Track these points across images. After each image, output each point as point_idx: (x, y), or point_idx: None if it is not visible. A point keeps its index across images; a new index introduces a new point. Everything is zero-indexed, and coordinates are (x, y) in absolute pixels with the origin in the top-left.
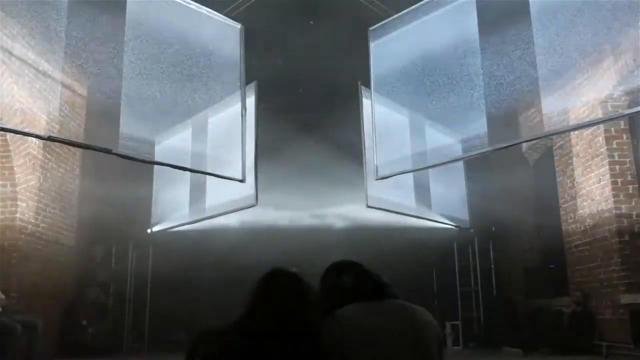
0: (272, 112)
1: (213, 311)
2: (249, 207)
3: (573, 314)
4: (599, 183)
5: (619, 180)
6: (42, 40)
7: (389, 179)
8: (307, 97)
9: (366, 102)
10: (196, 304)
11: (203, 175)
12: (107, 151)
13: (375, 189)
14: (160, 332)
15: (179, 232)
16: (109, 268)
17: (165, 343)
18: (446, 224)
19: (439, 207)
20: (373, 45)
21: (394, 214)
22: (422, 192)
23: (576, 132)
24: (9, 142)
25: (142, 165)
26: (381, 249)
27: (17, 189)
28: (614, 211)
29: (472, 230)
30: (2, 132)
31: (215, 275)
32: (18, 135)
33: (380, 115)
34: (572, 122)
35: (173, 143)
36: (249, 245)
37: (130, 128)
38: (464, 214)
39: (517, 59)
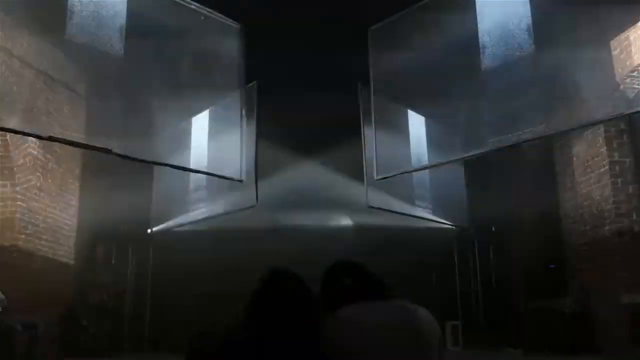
0: (272, 111)
1: (213, 311)
2: (249, 207)
3: (573, 314)
4: (599, 183)
5: (619, 180)
6: (42, 40)
7: (389, 179)
8: (306, 97)
9: (366, 102)
10: (196, 304)
11: (203, 175)
12: (107, 151)
13: (375, 189)
14: (160, 333)
15: (179, 232)
16: (109, 268)
17: (165, 343)
18: (446, 224)
19: (439, 207)
20: (373, 45)
21: (394, 214)
22: (422, 192)
23: (576, 132)
24: (9, 142)
25: (142, 165)
26: (381, 249)
27: (17, 189)
28: (614, 211)
29: (472, 230)
30: (2, 132)
31: (215, 275)
32: (18, 135)
33: (380, 115)
34: (572, 122)
35: (173, 143)
36: (248, 245)
37: (130, 128)
38: (464, 214)
39: (517, 59)
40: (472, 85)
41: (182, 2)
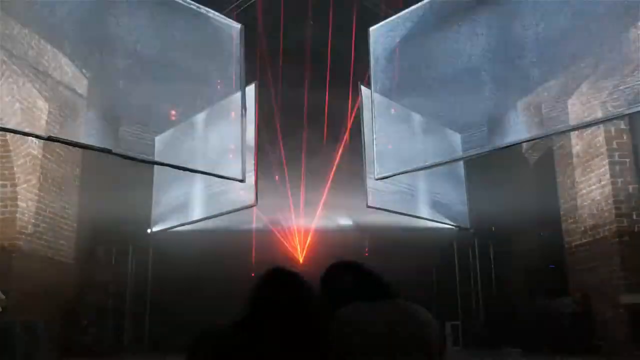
0: (272, 112)
1: (213, 311)
2: (249, 207)
3: (573, 314)
4: (599, 183)
5: (619, 180)
6: (42, 40)
7: (389, 178)
8: (307, 97)
9: (366, 102)
10: (196, 304)
11: (203, 175)
12: (107, 151)
13: (375, 189)
14: (160, 333)
15: (179, 232)
16: (109, 268)
17: (165, 343)
18: (446, 224)
19: (439, 207)
20: (373, 45)
21: (394, 214)
22: (422, 192)
23: (576, 132)
24: (9, 142)
25: (142, 165)
26: (381, 249)
27: (17, 189)
28: (614, 211)
29: (472, 230)
30: (2, 132)
31: (215, 275)
32: (18, 135)
33: (380, 115)
34: (572, 122)
35: (173, 143)
36: (248, 245)
37: (130, 128)
38: (464, 214)
39: (517, 59)
40: (473, 85)
41: (182, 2)
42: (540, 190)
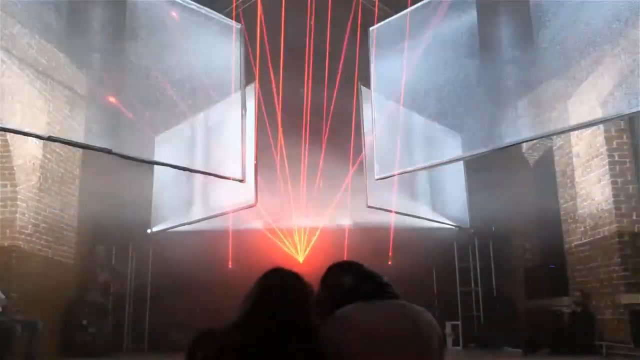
0: (272, 112)
1: (213, 311)
2: (249, 207)
3: (573, 314)
4: (599, 183)
5: (619, 180)
6: (42, 40)
7: (390, 178)
8: (307, 97)
9: (366, 102)
10: (196, 304)
11: (203, 175)
12: (107, 151)
13: (375, 189)
14: (160, 333)
15: (179, 232)
16: (109, 268)
17: (165, 343)
18: (446, 224)
19: (439, 207)
20: (373, 45)
21: (394, 214)
22: (422, 192)
23: (576, 132)
24: (9, 142)
25: (142, 165)
26: (381, 249)
27: (17, 189)
28: (614, 211)
29: (472, 230)
30: (2, 132)
31: (214, 275)
32: (18, 135)
33: (380, 115)
34: (572, 122)
35: (173, 143)
36: (248, 245)
37: (130, 128)
38: (464, 214)
39: (517, 59)
40: (473, 84)
41: (182, 2)
42: (540, 190)
